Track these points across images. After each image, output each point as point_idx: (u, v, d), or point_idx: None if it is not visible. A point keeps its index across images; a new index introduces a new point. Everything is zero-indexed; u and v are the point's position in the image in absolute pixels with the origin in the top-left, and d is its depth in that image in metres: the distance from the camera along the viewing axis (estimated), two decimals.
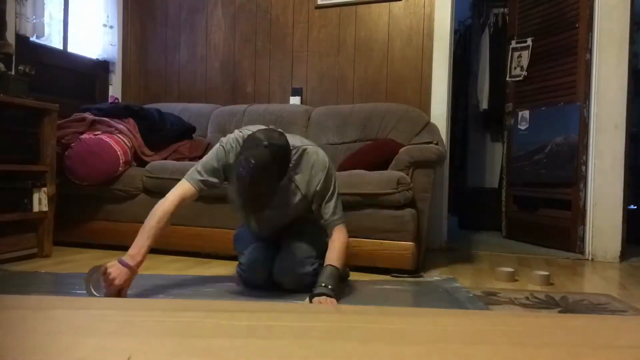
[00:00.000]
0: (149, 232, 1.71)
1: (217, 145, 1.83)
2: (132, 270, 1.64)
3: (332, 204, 1.82)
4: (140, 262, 1.68)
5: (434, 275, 2.29)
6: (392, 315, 0.70)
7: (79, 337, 0.57)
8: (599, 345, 0.61)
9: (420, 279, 2.22)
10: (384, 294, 1.91)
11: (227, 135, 1.84)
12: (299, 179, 1.81)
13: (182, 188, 1.80)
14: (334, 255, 1.77)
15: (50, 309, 0.71)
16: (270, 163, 1.59)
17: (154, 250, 2.63)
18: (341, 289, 1.83)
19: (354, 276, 2.23)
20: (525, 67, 3.49)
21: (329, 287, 1.65)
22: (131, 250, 1.68)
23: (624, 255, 2.91)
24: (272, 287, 1.86)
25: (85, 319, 0.66)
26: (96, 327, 0.63)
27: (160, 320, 0.65)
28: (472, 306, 1.68)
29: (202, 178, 1.79)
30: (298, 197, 1.82)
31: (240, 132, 1.81)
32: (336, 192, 1.84)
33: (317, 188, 1.80)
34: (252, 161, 1.56)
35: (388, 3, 3.22)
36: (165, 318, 0.66)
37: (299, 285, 1.81)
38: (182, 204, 1.78)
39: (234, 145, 1.78)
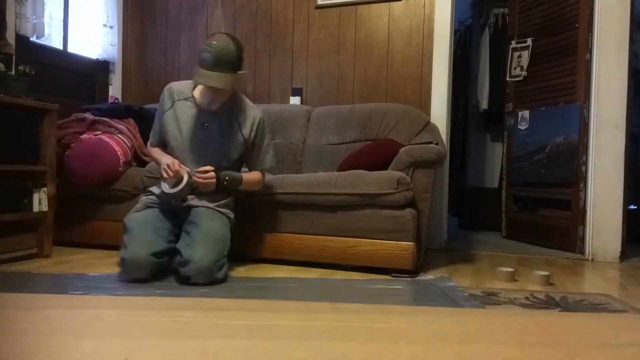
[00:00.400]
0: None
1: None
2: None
3: (269, 155, 2.24)
4: None
5: (428, 275, 2.28)
6: (389, 314, 0.70)
7: (75, 338, 0.57)
8: (598, 344, 0.61)
9: (415, 278, 2.21)
10: (377, 293, 1.90)
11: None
12: (241, 118, 2.12)
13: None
14: (248, 175, 2.19)
15: (45, 309, 0.70)
16: (233, 47, 1.89)
17: None
18: (232, 187, 2.14)
19: (351, 276, 2.23)
20: (525, 67, 3.49)
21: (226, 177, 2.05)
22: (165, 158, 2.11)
23: (624, 255, 2.91)
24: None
25: (81, 319, 0.65)
26: (92, 327, 0.63)
27: (157, 320, 0.64)
28: (468, 305, 1.68)
29: (156, 141, 2.25)
30: (239, 138, 2.13)
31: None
32: (271, 142, 2.26)
33: (257, 134, 2.16)
34: (215, 43, 1.85)
35: (388, 3, 3.22)
36: (162, 318, 0.66)
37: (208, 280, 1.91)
38: None
39: (165, 94, 2.18)
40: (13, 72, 2.47)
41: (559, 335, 0.61)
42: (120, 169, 2.71)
